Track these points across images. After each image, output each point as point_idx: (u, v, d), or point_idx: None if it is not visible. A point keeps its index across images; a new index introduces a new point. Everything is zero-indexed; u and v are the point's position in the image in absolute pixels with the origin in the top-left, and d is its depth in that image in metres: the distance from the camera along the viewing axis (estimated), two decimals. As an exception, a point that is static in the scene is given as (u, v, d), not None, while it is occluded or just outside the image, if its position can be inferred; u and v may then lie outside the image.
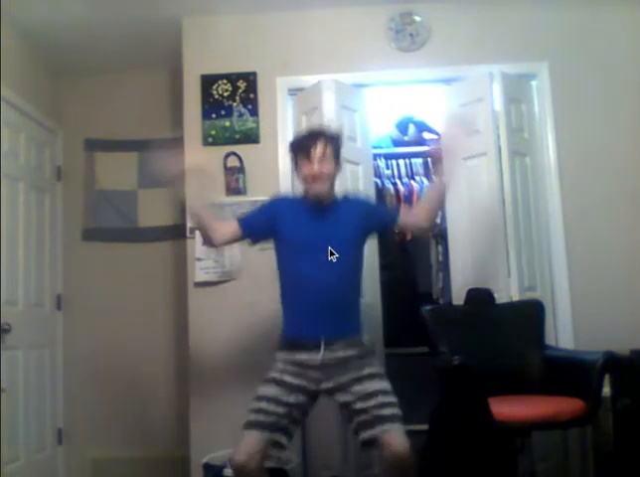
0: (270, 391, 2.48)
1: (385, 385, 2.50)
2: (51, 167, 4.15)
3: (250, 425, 2.43)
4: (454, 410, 2.70)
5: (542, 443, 3.05)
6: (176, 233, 4.04)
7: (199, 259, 3.59)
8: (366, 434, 2.40)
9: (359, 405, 2.44)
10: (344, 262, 2.55)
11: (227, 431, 3.36)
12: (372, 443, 2.39)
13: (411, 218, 2.76)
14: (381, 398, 2.43)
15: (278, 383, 2.50)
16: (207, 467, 3.13)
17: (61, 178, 4.23)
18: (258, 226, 2.69)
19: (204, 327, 3.55)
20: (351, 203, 2.75)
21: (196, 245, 3.59)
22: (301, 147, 2.64)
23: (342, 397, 2.50)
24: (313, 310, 2.52)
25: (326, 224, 2.61)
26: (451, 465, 2.82)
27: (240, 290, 3.54)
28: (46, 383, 3.91)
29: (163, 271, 4.16)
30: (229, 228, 2.70)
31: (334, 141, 2.64)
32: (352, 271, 2.61)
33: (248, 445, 2.38)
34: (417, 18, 3.71)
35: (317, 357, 2.49)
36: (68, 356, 4.10)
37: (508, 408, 2.62)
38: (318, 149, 2.57)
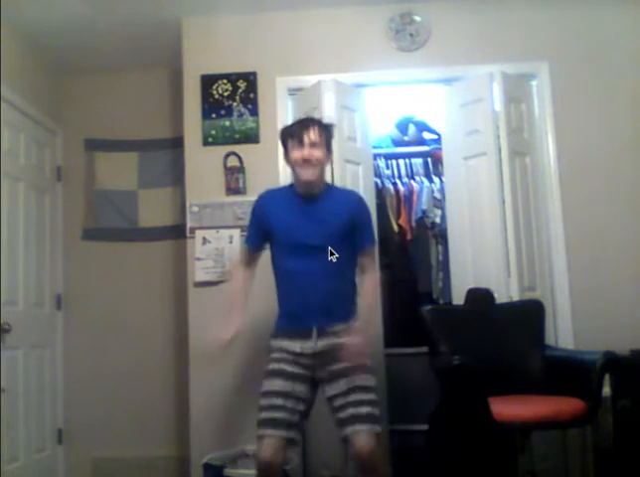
0: (276, 384, 2.50)
1: (369, 381, 2.51)
2: (51, 167, 4.15)
3: (265, 423, 2.45)
4: (454, 410, 2.70)
5: (542, 443, 3.05)
6: (176, 233, 4.04)
7: (199, 259, 3.59)
8: (341, 432, 2.46)
9: (339, 402, 2.47)
10: (335, 252, 2.55)
11: (227, 431, 3.38)
12: (346, 441, 2.45)
13: (363, 268, 2.68)
14: (360, 395, 2.46)
15: (279, 374, 2.52)
16: (207, 467, 3.13)
17: (61, 178, 4.23)
18: (258, 237, 2.73)
19: (204, 327, 3.54)
20: (347, 195, 2.76)
21: (196, 245, 3.59)
22: (292, 133, 2.66)
23: (329, 391, 2.52)
24: (305, 300, 2.54)
25: (316, 212, 2.62)
26: (451, 465, 2.82)
27: (239, 290, 3.53)
28: (46, 383, 3.91)
29: (163, 271, 4.16)
30: (248, 259, 2.78)
31: (325, 129, 2.67)
32: (342, 260, 2.59)
33: (269, 445, 2.42)
34: (417, 18, 3.71)
35: (310, 345, 2.51)
36: (68, 356, 4.10)
37: (508, 408, 2.62)
38: (310, 134, 2.60)
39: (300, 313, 2.56)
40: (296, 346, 2.53)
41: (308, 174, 2.60)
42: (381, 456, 2.48)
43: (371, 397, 2.47)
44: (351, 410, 2.43)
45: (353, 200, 2.74)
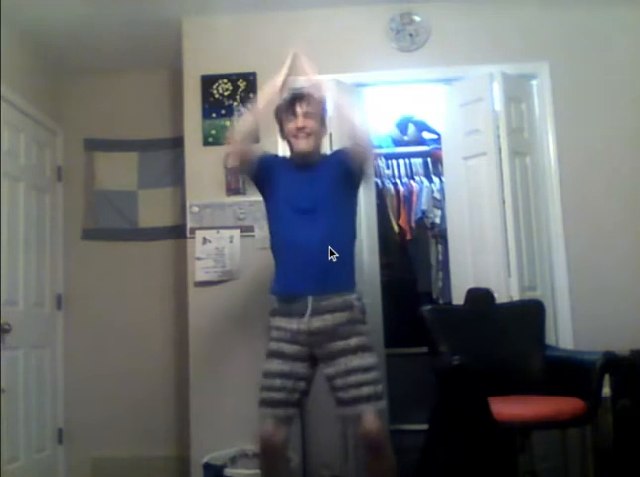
0: (275, 364, 2.54)
1: (368, 360, 2.51)
2: (51, 167, 4.15)
3: (265, 404, 2.51)
4: (454, 410, 2.70)
5: (542, 443, 3.05)
6: (176, 233, 4.05)
7: (199, 259, 3.59)
8: (341, 412, 2.50)
9: (339, 382, 2.49)
10: (331, 218, 2.57)
11: (227, 431, 3.38)
12: (347, 420, 2.50)
13: (351, 140, 2.66)
14: (360, 376, 2.47)
15: (279, 354, 2.54)
16: (207, 467, 3.13)
17: (61, 178, 4.23)
18: (267, 166, 2.72)
19: (204, 327, 3.55)
20: (328, 157, 2.80)
21: (196, 245, 3.59)
22: (286, 107, 2.70)
23: (327, 369, 2.54)
24: (301, 268, 2.55)
25: (311, 178, 2.64)
26: (451, 465, 2.82)
27: (240, 290, 3.54)
28: (46, 383, 3.91)
29: (163, 271, 4.16)
30: (255, 148, 2.75)
31: (318, 103, 2.70)
32: (339, 226, 2.60)
33: (269, 424, 2.49)
34: (417, 18, 3.71)
35: (305, 322, 2.52)
36: (68, 356, 4.10)
37: (508, 408, 2.62)
38: (303, 105, 2.65)
39: (295, 279, 2.56)
40: (293, 323, 2.55)
41: (303, 144, 2.64)
42: (386, 435, 2.51)
43: (371, 375, 2.48)
44: (352, 392, 2.45)
45: (330, 155, 2.81)
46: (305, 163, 2.67)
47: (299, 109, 2.64)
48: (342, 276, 2.59)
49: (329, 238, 2.55)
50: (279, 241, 2.67)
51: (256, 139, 2.75)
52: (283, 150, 2.93)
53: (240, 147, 2.69)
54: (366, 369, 2.49)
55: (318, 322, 2.52)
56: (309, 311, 2.52)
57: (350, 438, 3.11)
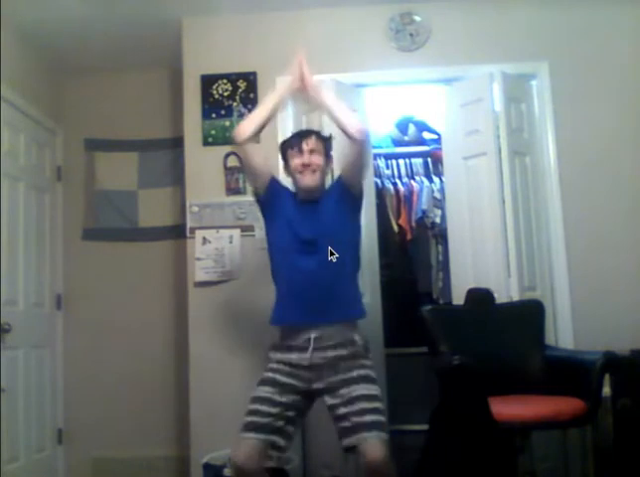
0: (264, 391, 2.50)
1: (371, 389, 2.48)
2: (51, 167, 4.15)
3: (247, 427, 2.46)
4: (454, 410, 2.70)
5: (542, 443, 3.06)
6: (176, 233, 4.05)
7: (199, 259, 3.59)
8: (346, 441, 2.43)
9: (342, 411, 2.45)
10: (334, 250, 2.54)
11: (227, 431, 3.36)
12: (352, 450, 2.42)
13: (346, 131, 2.61)
14: (363, 404, 2.42)
15: (272, 383, 2.51)
16: (207, 467, 3.13)
17: (61, 178, 4.23)
18: (275, 190, 2.71)
19: (204, 327, 3.55)
20: (329, 188, 2.77)
21: (196, 245, 3.59)
22: (291, 143, 2.70)
23: (330, 400, 2.50)
24: (303, 299, 2.52)
25: (314, 214, 2.62)
26: (451, 465, 2.82)
27: (240, 290, 3.54)
28: (46, 383, 3.91)
29: (163, 271, 4.16)
30: (266, 162, 2.73)
31: (324, 139, 2.71)
32: (342, 258, 2.57)
33: (246, 447, 2.42)
34: (417, 18, 3.71)
35: (306, 358, 2.50)
36: (68, 356, 4.10)
37: (508, 408, 2.62)
38: (309, 142, 2.65)
39: (297, 310, 2.54)
40: (293, 357, 2.52)
41: (309, 180, 2.63)
42: (391, 464, 2.42)
43: (375, 405, 2.44)
44: (355, 419, 2.40)
45: (335, 180, 2.78)
46: (309, 198, 2.66)
47: (305, 146, 2.64)
48: (345, 308, 2.58)
49: (332, 270, 2.54)
50: (281, 272, 2.65)
51: (257, 139, 2.72)
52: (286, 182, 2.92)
53: (249, 138, 2.64)
54: (370, 397, 2.45)
55: (319, 357, 2.50)
56: (311, 347, 2.49)
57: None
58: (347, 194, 2.66)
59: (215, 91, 3.72)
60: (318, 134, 2.71)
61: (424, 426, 3.00)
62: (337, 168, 2.88)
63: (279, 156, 2.82)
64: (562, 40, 3.69)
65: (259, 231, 3.49)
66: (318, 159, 2.65)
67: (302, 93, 2.72)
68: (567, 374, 2.87)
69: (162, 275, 4.16)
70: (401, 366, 3.76)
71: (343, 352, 2.51)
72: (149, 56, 4.14)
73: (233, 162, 3.65)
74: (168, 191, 4.20)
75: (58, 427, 4.00)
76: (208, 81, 3.73)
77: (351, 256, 2.64)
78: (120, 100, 4.30)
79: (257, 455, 2.41)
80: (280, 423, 2.48)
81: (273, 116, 2.78)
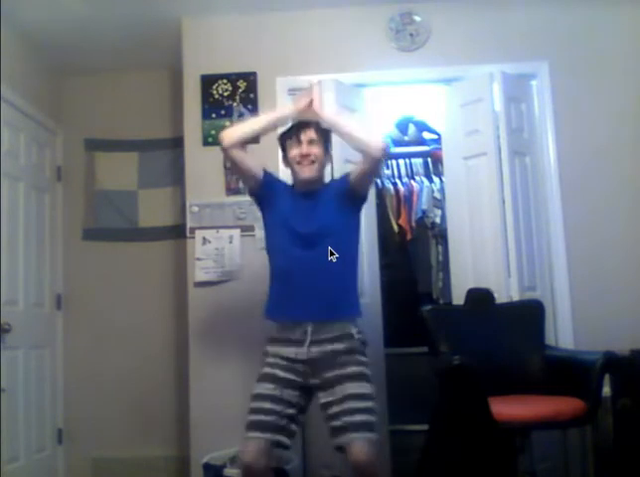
0: (266, 388, 2.50)
1: (363, 388, 2.47)
2: (51, 167, 4.15)
3: (252, 426, 2.45)
4: (454, 410, 2.70)
5: (542, 443, 3.05)
6: (176, 233, 4.05)
7: (199, 259, 3.59)
8: (336, 441, 2.44)
9: (334, 410, 2.45)
10: (332, 245, 2.54)
11: (227, 431, 3.37)
12: (342, 449, 2.42)
13: (366, 153, 2.61)
14: (355, 404, 2.42)
15: (272, 379, 2.51)
16: (207, 467, 3.13)
17: (61, 178, 4.23)
18: (269, 185, 2.70)
19: (204, 327, 3.55)
20: (332, 183, 2.78)
21: (196, 245, 3.59)
22: (290, 133, 2.69)
23: (323, 398, 2.50)
24: (301, 294, 2.52)
25: (312, 208, 2.62)
26: (451, 465, 2.82)
27: (240, 290, 3.54)
28: (46, 383, 3.91)
29: (163, 271, 4.16)
30: (256, 164, 2.71)
31: (323, 130, 2.69)
32: (340, 253, 2.57)
33: (254, 446, 2.42)
34: (417, 18, 3.71)
35: (303, 352, 2.50)
36: (68, 356, 4.10)
37: (508, 408, 2.62)
38: (307, 132, 2.64)
39: (294, 305, 2.54)
40: (290, 352, 2.52)
41: (307, 171, 2.63)
42: (377, 464, 2.43)
43: (366, 404, 2.44)
44: (345, 419, 2.41)
45: (333, 182, 2.79)
46: (308, 190, 2.65)
47: (304, 136, 2.63)
48: (343, 303, 2.58)
49: (330, 265, 2.53)
50: (278, 267, 2.64)
51: (244, 148, 2.71)
52: (284, 175, 2.91)
53: (234, 145, 2.62)
54: (362, 396, 2.44)
55: (316, 350, 2.50)
56: (308, 340, 2.50)
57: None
58: (351, 193, 2.65)
59: (215, 91, 3.72)
60: (317, 125, 2.68)
61: (424, 426, 2.99)
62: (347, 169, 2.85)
63: (279, 147, 2.80)
64: (563, 40, 3.69)
65: (259, 231, 3.49)
66: (317, 150, 2.63)
67: (306, 114, 2.70)
68: (567, 374, 2.87)
69: (162, 275, 4.16)
70: (401, 366, 3.76)
71: (340, 346, 2.51)
72: (149, 56, 4.14)
73: (233, 162, 3.65)
74: (168, 191, 4.21)
75: (58, 427, 4.00)
76: (208, 82, 3.73)
77: (348, 252, 2.63)
78: (120, 101, 4.30)
79: (265, 454, 2.42)
80: (284, 422, 2.48)
81: (264, 134, 2.80)
